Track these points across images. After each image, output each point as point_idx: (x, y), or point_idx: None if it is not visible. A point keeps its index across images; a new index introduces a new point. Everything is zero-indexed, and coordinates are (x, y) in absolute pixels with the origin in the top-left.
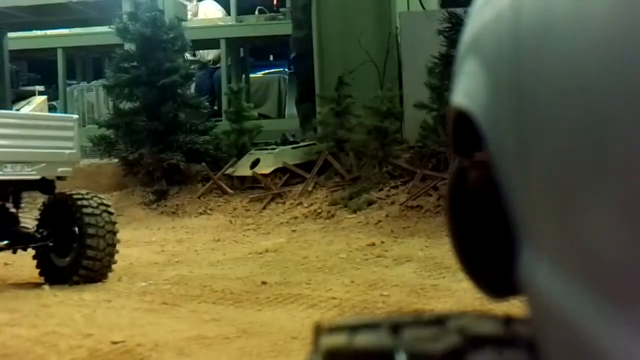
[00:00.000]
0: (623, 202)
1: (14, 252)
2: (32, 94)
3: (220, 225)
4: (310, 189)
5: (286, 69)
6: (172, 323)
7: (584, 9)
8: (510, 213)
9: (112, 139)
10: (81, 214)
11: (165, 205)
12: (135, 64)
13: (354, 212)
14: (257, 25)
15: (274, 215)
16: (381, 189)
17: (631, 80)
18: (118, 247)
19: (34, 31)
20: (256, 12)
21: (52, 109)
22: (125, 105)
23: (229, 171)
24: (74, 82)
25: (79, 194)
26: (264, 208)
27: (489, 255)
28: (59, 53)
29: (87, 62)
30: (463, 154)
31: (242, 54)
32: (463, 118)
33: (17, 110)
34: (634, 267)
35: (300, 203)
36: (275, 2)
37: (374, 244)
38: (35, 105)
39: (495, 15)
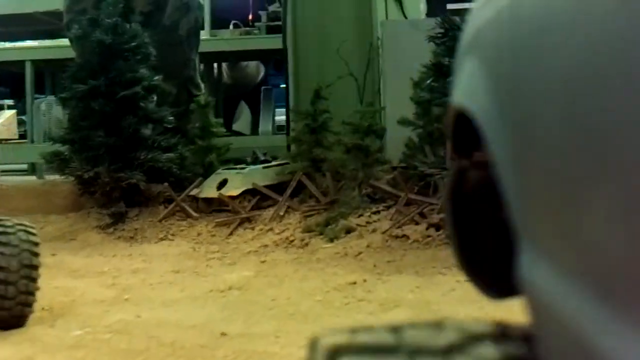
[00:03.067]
0: (622, 202)
1: None
2: (1, 107)
3: (182, 253)
4: (282, 213)
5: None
6: None
7: (584, 8)
8: (510, 213)
9: (67, 155)
10: None
11: (123, 229)
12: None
13: (331, 240)
14: (232, 40)
15: (241, 242)
16: (361, 215)
17: (631, 79)
18: (60, 281)
19: (2, 43)
20: (231, 27)
21: (21, 123)
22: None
23: (194, 192)
24: (44, 96)
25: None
26: (231, 234)
27: (488, 256)
28: (27, 66)
29: (56, 76)
30: (463, 154)
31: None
32: (463, 118)
33: None
34: (634, 267)
35: (271, 229)
36: (250, 16)
37: (354, 283)
38: (4, 119)
39: (495, 15)
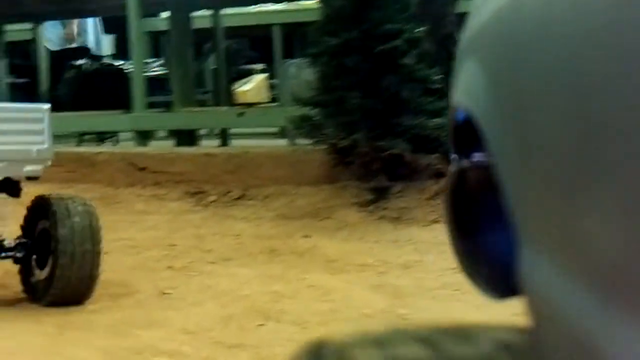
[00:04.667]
0: (623, 202)
1: None
2: (252, 72)
3: None
4: None
5: None
6: None
7: (583, 7)
8: (510, 213)
9: (318, 120)
10: (55, 222)
11: (386, 208)
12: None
13: None
14: None
15: None
16: None
17: (631, 80)
18: (314, 277)
19: (248, 7)
20: None
21: (272, 87)
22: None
23: None
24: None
25: (59, 197)
26: None
27: (488, 256)
28: (275, 30)
29: (305, 39)
30: (463, 155)
31: None
32: (463, 118)
33: (236, 89)
34: (634, 267)
35: None
36: None
37: None
38: (255, 83)
39: (494, 14)
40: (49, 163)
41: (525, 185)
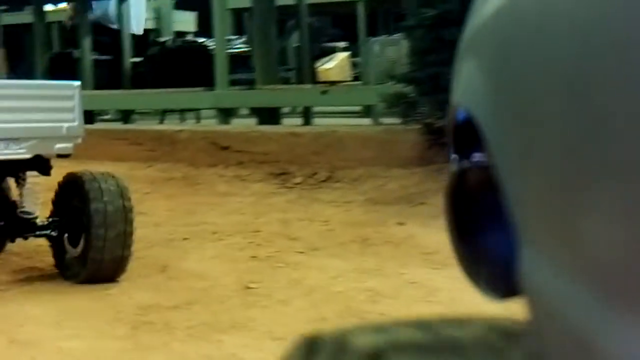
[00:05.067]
0: (623, 201)
1: (12, 241)
2: (335, 50)
3: None
4: None
5: None
6: None
7: (583, 6)
8: (510, 213)
9: (413, 97)
10: (88, 199)
11: None
12: None
13: None
14: None
15: None
16: None
17: (631, 80)
18: (414, 272)
19: None
20: None
21: (354, 65)
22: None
23: None
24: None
25: (90, 175)
26: None
27: (488, 256)
28: (360, 7)
29: (389, 16)
30: (463, 155)
31: None
32: (462, 118)
33: (319, 66)
34: (634, 266)
35: None
36: None
37: None
38: (337, 61)
39: (494, 13)
40: (80, 140)
41: (525, 185)
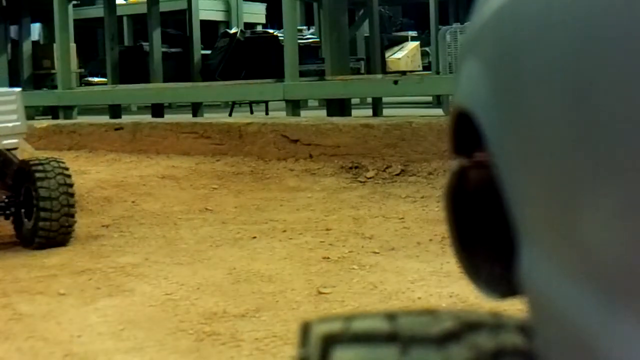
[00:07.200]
0: (623, 201)
1: None
2: (405, 39)
3: None
4: None
5: None
6: None
7: (584, 6)
8: (510, 213)
9: None
10: (35, 179)
11: None
12: None
13: None
14: None
15: None
16: None
17: (632, 80)
18: None
19: None
20: None
21: (425, 54)
22: None
23: None
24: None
25: (35, 160)
26: None
27: (489, 256)
28: None
29: (460, 5)
30: (463, 154)
31: None
32: (464, 118)
33: (389, 56)
34: (634, 266)
35: None
36: None
37: None
38: (407, 50)
39: (494, 13)
40: (24, 136)
41: (526, 184)
